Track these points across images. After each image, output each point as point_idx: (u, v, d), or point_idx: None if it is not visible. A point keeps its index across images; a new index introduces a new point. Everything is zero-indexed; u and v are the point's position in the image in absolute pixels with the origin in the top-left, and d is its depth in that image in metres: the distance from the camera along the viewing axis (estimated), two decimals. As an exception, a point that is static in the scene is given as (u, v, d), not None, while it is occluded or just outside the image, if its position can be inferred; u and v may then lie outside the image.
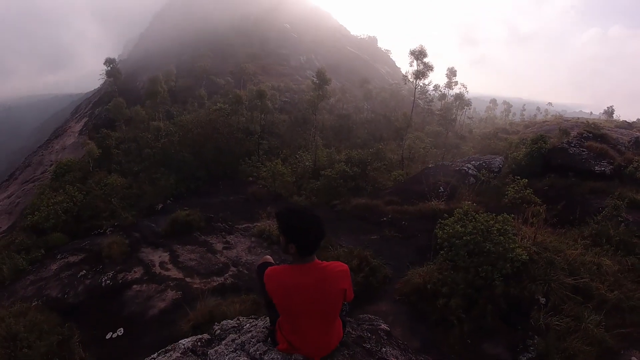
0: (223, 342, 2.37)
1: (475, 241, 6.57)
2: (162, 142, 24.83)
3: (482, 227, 6.70)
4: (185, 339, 2.53)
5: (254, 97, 28.74)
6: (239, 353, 2.20)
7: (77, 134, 33.85)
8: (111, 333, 7.73)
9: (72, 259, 11.90)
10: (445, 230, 7.03)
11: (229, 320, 2.87)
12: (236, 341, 2.26)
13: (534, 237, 6.96)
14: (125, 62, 52.46)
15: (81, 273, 10.54)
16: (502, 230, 6.58)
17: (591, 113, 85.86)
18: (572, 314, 5.60)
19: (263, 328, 2.58)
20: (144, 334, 7.75)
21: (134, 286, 9.59)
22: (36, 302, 9.40)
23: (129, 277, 9.99)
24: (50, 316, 8.10)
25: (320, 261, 2.26)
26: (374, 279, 7.36)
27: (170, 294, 9.18)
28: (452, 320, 6.02)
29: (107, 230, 14.70)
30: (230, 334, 2.59)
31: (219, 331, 2.72)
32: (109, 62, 29.76)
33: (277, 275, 2.23)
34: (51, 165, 27.08)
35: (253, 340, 2.37)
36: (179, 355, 2.28)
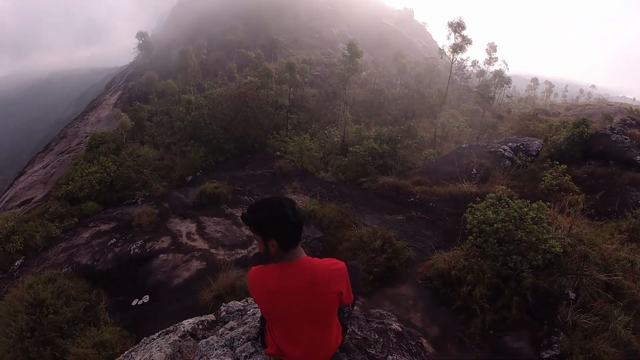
0: (219, 331, 2.25)
1: (506, 229, 6.17)
2: (193, 115, 25.11)
3: (516, 214, 6.27)
4: (189, 320, 2.44)
5: (283, 71, 28.29)
6: (225, 351, 2.04)
7: (111, 107, 34.76)
8: (137, 300, 8.02)
9: (103, 227, 12.35)
10: (476, 216, 6.63)
11: (236, 302, 2.76)
12: (226, 335, 2.09)
13: (569, 228, 6.49)
14: (157, 36, 52.88)
15: (111, 241, 10.92)
16: (536, 219, 6.13)
17: (635, 99, 79.28)
18: (600, 313, 5.24)
19: (258, 322, 2.40)
20: (168, 302, 7.99)
21: (161, 255, 9.87)
22: (66, 269, 9.78)
23: (157, 247, 10.28)
24: (79, 283, 8.41)
25: (310, 258, 1.98)
26: (397, 260, 7.12)
27: (195, 264, 9.40)
28: (475, 309, 5.75)
29: (139, 200, 15.20)
30: (233, 317, 2.47)
31: (224, 313, 2.62)
32: (140, 35, 30.04)
33: (261, 279, 1.96)
34: (86, 136, 27.94)
35: (244, 337, 2.20)
36: (177, 338, 2.19)
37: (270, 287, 1.90)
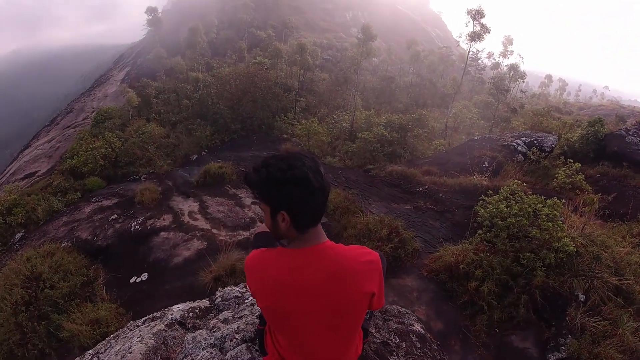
0: (211, 323, 2.00)
1: (519, 224, 5.92)
2: (200, 94, 24.77)
3: (530, 209, 6.01)
4: (179, 305, 2.20)
5: (294, 52, 27.74)
6: (213, 353, 1.69)
7: (118, 83, 34.46)
8: (135, 277, 7.90)
9: (106, 202, 12.24)
10: (488, 209, 6.36)
11: (233, 287, 2.52)
12: (217, 333, 1.78)
13: (583, 227, 6.29)
14: (168, 13, 52.09)
15: (112, 217, 10.81)
16: (550, 216, 5.87)
17: None
18: (610, 317, 5.07)
19: (256, 318, 2.00)
20: (166, 280, 7.87)
21: (162, 233, 9.74)
22: (65, 243, 9.63)
23: (158, 224, 10.15)
24: (78, 257, 8.29)
25: (333, 243, 1.42)
26: (403, 251, 6.90)
27: (196, 244, 9.27)
28: (482, 305, 5.59)
29: (142, 177, 15.05)
30: (229, 306, 2.24)
31: (219, 300, 2.38)
32: (150, 11, 29.45)
33: (263, 267, 1.43)
34: (92, 112, 27.72)
35: (237, 337, 1.81)
36: (162, 327, 1.94)
37: (275, 278, 1.37)
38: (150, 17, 29.38)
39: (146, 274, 8.04)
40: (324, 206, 1.38)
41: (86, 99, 35.26)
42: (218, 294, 2.45)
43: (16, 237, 12.07)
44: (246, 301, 2.25)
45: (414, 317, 2.23)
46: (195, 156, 19.37)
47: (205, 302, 2.36)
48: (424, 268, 6.69)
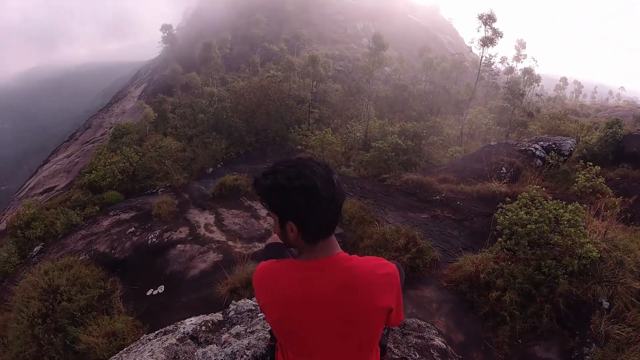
0: (223, 337, 1.95)
1: (540, 230, 5.74)
2: (215, 108, 25.19)
3: (551, 215, 5.83)
4: (192, 319, 2.17)
5: (306, 64, 28.03)
6: None
7: (135, 99, 35.33)
8: (152, 290, 7.95)
9: (123, 216, 12.44)
10: (508, 216, 6.18)
11: (247, 300, 2.47)
12: (227, 349, 1.73)
13: (605, 232, 6.08)
14: (183, 30, 53.55)
15: (130, 230, 10.96)
16: (572, 222, 5.69)
17: None
18: (634, 323, 4.89)
19: (268, 333, 1.90)
20: (183, 293, 7.89)
21: (179, 246, 9.82)
22: (83, 256, 9.77)
23: (174, 237, 10.24)
24: (95, 270, 8.38)
25: (347, 254, 1.34)
26: (421, 261, 6.75)
27: (212, 256, 9.30)
28: (504, 316, 5.41)
29: (159, 191, 15.30)
30: (242, 320, 2.19)
31: (232, 313, 2.34)
32: (165, 28, 30.36)
33: (271, 279, 1.36)
34: (110, 127, 28.42)
35: (248, 353, 1.73)
36: (174, 341, 1.91)
37: (285, 290, 1.30)
38: (166, 34, 30.25)
39: (163, 286, 8.08)
40: (336, 217, 1.29)
41: (104, 115, 36.27)
42: (232, 307, 2.41)
43: (34, 250, 12.30)
44: (259, 315, 2.20)
45: (434, 331, 2.12)
46: (211, 169, 19.64)
47: (218, 316, 2.32)
48: (443, 278, 6.52)
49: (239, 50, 43.88)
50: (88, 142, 30.30)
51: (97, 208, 14.71)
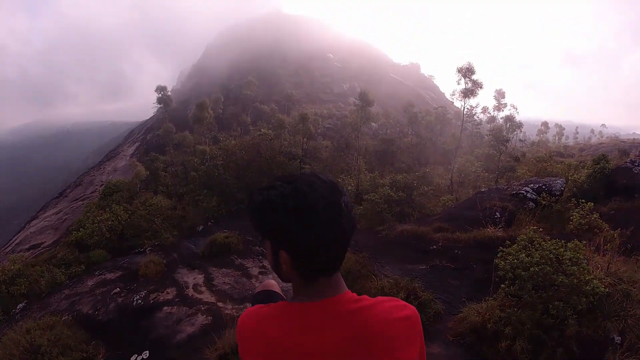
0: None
1: (544, 272, 5.54)
2: (207, 166, 25.42)
3: (552, 255, 5.67)
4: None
5: (297, 122, 28.99)
6: None
7: (128, 157, 35.75)
8: (136, 355, 7.38)
9: (109, 276, 12.11)
10: (508, 260, 5.98)
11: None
12: None
13: (607, 266, 5.98)
14: (177, 92, 55.91)
15: (115, 290, 10.60)
16: (574, 260, 5.55)
17: None
18: None
19: None
20: (168, 359, 7.29)
21: (165, 308, 9.38)
22: (66, 317, 9.46)
23: (161, 298, 9.82)
24: (78, 332, 8.17)
25: (353, 294, 1.06)
26: (424, 315, 6.36)
27: (200, 319, 8.84)
28: (517, 367, 5.03)
29: (147, 250, 14.92)
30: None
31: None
32: (159, 89, 31.57)
33: (258, 328, 1.04)
34: (101, 185, 28.43)
35: None
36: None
37: (277, 342, 0.99)
38: (160, 95, 31.36)
39: (147, 352, 7.51)
40: (342, 251, 1.02)
41: (95, 173, 36.42)
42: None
43: (18, 307, 12.02)
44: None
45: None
46: (201, 227, 19.37)
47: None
48: (448, 332, 6.13)
49: (232, 110, 45.51)
50: (78, 199, 30.17)
51: (83, 267, 14.40)
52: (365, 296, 1.05)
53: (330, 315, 0.99)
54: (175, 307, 9.32)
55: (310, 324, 0.99)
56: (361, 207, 17.36)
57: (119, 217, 18.03)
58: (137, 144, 40.96)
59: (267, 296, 1.43)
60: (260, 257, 13.16)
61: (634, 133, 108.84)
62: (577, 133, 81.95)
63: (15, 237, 28.53)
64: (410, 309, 1.05)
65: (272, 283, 1.55)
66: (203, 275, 11.53)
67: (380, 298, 1.05)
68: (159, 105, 32.52)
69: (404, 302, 1.06)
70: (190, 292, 10.31)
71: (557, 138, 69.73)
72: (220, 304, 9.48)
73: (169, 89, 34.99)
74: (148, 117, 54.01)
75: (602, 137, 70.45)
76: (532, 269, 5.61)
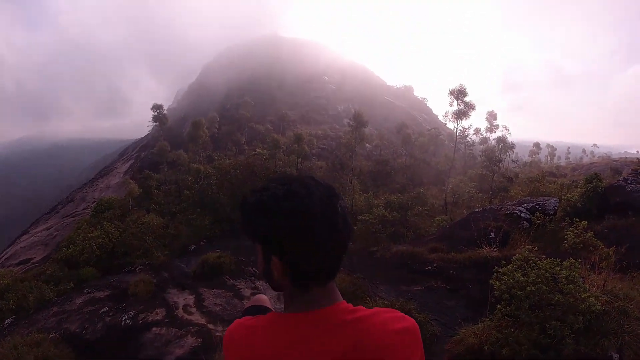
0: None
1: (540, 291, 5.51)
2: (201, 184, 25.32)
3: (547, 274, 5.66)
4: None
5: (291, 142, 29.17)
6: None
7: (121, 175, 35.68)
8: (122, 379, 7.11)
9: (98, 294, 11.91)
10: (504, 280, 5.94)
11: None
12: None
13: (604, 284, 6.04)
14: (173, 111, 56.33)
15: (103, 309, 10.43)
16: (570, 278, 5.56)
17: (638, 152, 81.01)
18: None
19: None
20: (156, 384, 7.04)
21: (154, 328, 9.16)
22: (54, 334, 9.32)
23: (150, 319, 9.59)
24: (65, 350, 8.02)
25: (349, 305, 0.99)
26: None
27: (190, 341, 8.62)
28: (516, 389, 4.95)
29: (137, 268, 14.66)
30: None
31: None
32: (155, 107, 31.80)
33: (247, 341, 0.98)
34: (93, 202, 28.28)
35: None
36: None
37: (265, 356, 0.93)
38: (156, 113, 31.54)
39: (134, 375, 7.23)
40: (337, 258, 0.96)
41: (88, 189, 36.23)
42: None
43: (6, 322, 11.79)
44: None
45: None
46: (193, 246, 19.06)
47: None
48: (445, 355, 6.02)
49: (227, 130, 45.77)
50: (69, 215, 30.01)
51: (72, 284, 14.07)
52: (362, 307, 0.98)
53: (324, 327, 0.92)
54: (164, 328, 9.10)
55: (302, 336, 0.92)
56: (356, 228, 17.30)
57: (110, 235, 17.75)
58: (131, 162, 40.89)
59: (258, 311, 1.33)
60: (253, 277, 12.97)
61: (626, 152, 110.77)
62: (569, 153, 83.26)
63: (5, 251, 28.36)
64: (410, 321, 0.98)
65: (264, 298, 1.47)
66: (194, 295, 11.31)
67: (377, 309, 0.98)
68: (154, 124, 32.66)
69: (402, 314, 0.99)
70: (180, 312, 10.09)
71: (549, 158, 70.74)
72: (210, 326, 9.27)
73: (166, 107, 35.25)
74: (143, 135, 54.09)
75: (593, 156, 71.63)
76: (528, 288, 5.58)
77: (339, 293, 1.00)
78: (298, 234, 0.89)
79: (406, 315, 1.00)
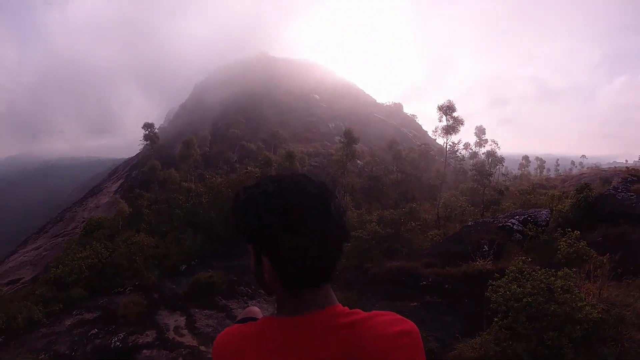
0: None
1: (536, 302, 5.51)
2: (192, 203, 25.09)
3: (543, 285, 5.68)
4: None
5: (283, 160, 29.23)
6: None
7: (112, 194, 35.25)
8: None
9: (87, 316, 11.77)
10: (500, 293, 5.93)
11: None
12: None
13: (599, 292, 6.10)
14: (165, 130, 56.14)
15: (92, 331, 10.30)
16: (566, 288, 5.59)
17: (626, 161, 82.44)
18: None
19: None
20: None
21: (144, 351, 8.98)
22: (43, 356, 9.26)
23: (140, 341, 9.39)
24: None
25: (345, 308, 0.93)
26: (417, 355, 6.15)
27: None
28: (517, 403, 4.88)
29: (127, 289, 14.36)
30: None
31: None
32: (146, 126, 31.75)
33: (238, 349, 0.93)
34: (83, 221, 27.89)
35: None
36: None
37: None
38: (147, 132, 31.45)
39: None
40: (331, 260, 0.91)
41: (78, 209, 35.77)
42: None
43: None
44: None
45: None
46: (184, 266, 18.80)
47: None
48: (443, 370, 5.92)
49: (218, 148, 45.71)
50: (58, 235, 29.62)
51: (61, 305, 13.75)
52: (359, 310, 0.93)
53: (318, 330, 0.88)
54: (155, 351, 8.93)
55: (295, 341, 0.88)
56: (349, 244, 17.20)
57: (100, 255, 17.41)
58: (121, 181, 40.47)
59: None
60: (245, 297, 12.77)
61: (614, 162, 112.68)
62: (558, 165, 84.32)
63: (-6, 270, 27.64)
64: (409, 324, 0.93)
65: (256, 310, 1.38)
66: (185, 317, 11.15)
67: (375, 312, 0.93)
68: (145, 142, 32.53)
69: (401, 317, 0.94)
70: (171, 334, 9.94)
71: (538, 171, 71.70)
72: (202, 348, 9.11)
73: (157, 127, 35.20)
74: (134, 154, 53.74)
75: (582, 167, 72.50)
76: (524, 299, 5.58)
77: (334, 297, 0.95)
78: (288, 232, 0.85)
79: (406, 319, 0.94)
